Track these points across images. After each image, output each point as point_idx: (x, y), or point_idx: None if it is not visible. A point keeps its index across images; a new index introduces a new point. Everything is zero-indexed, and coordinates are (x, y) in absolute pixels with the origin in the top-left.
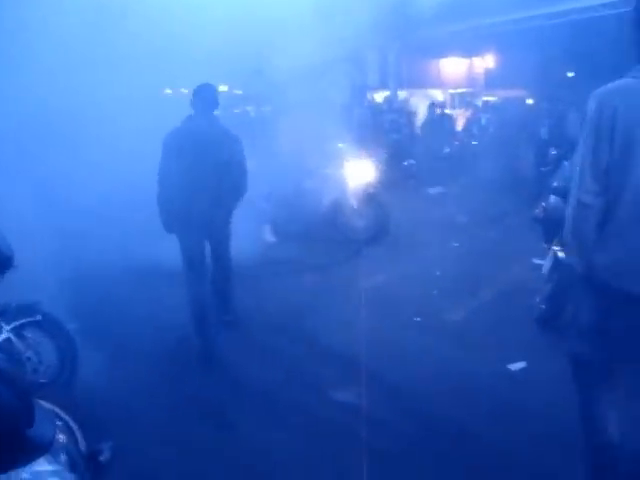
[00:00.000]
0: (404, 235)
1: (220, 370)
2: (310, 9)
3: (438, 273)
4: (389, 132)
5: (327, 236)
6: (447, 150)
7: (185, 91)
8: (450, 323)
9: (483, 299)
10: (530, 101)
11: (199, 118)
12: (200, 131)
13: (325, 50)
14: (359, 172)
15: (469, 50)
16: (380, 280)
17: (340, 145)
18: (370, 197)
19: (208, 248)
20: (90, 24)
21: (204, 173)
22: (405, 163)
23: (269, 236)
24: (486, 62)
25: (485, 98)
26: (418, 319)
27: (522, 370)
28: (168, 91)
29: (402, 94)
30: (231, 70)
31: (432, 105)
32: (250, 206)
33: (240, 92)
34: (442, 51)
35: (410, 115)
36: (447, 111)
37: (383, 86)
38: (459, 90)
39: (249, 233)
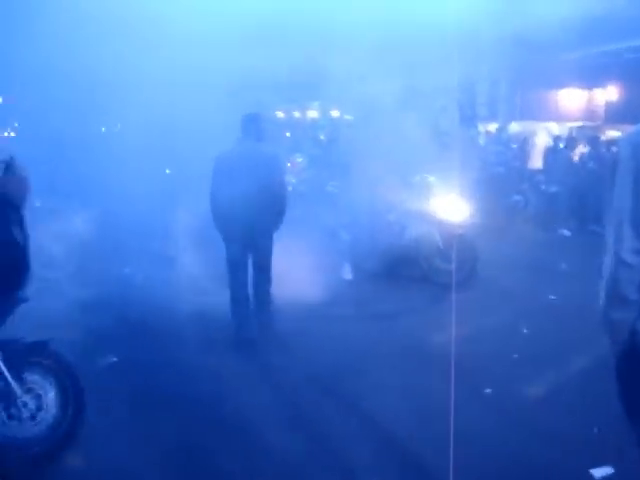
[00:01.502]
0: (494, 282)
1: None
2: (420, 34)
3: (525, 331)
4: (494, 165)
5: (408, 276)
6: (554, 189)
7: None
8: (526, 401)
9: (573, 372)
10: None
11: (244, 142)
12: (243, 153)
13: (435, 77)
14: (449, 208)
15: (589, 80)
16: (455, 335)
17: (430, 178)
18: (458, 237)
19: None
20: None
21: (247, 189)
22: (510, 200)
23: (347, 273)
24: (608, 94)
25: (610, 132)
26: (488, 390)
27: (607, 478)
28: (280, 114)
29: (515, 126)
30: (341, 96)
31: (557, 139)
32: (331, 236)
33: (350, 118)
34: (560, 81)
35: (521, 148)
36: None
37: (494, 117)
38: (577, 124)
39: (326, 268)
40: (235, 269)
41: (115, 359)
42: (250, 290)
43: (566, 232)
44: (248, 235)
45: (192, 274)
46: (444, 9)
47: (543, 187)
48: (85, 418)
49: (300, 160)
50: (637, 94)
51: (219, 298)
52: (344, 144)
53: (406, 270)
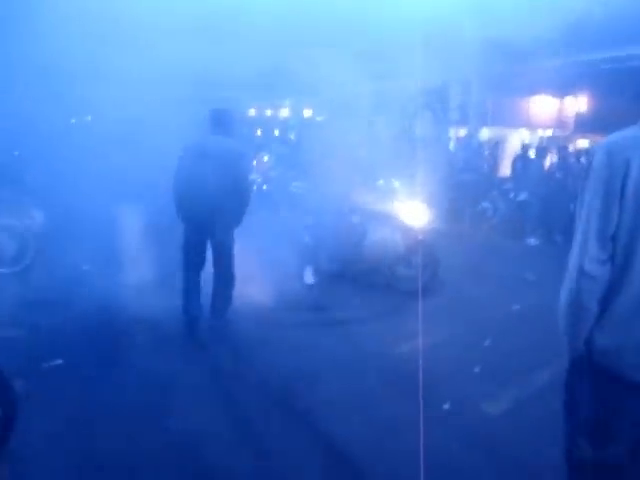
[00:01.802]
0: (458, 290)
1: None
2: (395, 34)
3: (487, 343)
4: (462, 171)
5: (370, 281)
6: (523, 197)
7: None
8: (485, 419)
9: (535, 387)
10: None
11: (211, 135)
12: (209, 146)
13: (409, 79)
14: (411, 213)
15: (561, 88)
16: (414, 345)
17: (395, 182)
18: (420, 242)
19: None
20: None
21: (209, 182)
22: (478, 207)
23: (308, 277)
24: (579, 103)
25: (580, 142)
26: (446, 406)
27: None
28: (252, 112)
29: (485, 132)
30: (313, 95)
31: (526, 147)
32: (293, 238)
33: (322, 118)
34: (532, 88)
35: (492, 154)
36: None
37: (465, 122)
38: (547, 131)
39: (287, 270)
40: (190, 254)
41: (60, 361)
42: (208, 289)
43: (533, 241)
44: (207, 228)
45: (150, 271)
46: (419, 10)
47: (512, 195)
48: (15, 427)
49: (266, 159)
50: (607, 105)
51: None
52: (311, 144)
53: (368, 274)
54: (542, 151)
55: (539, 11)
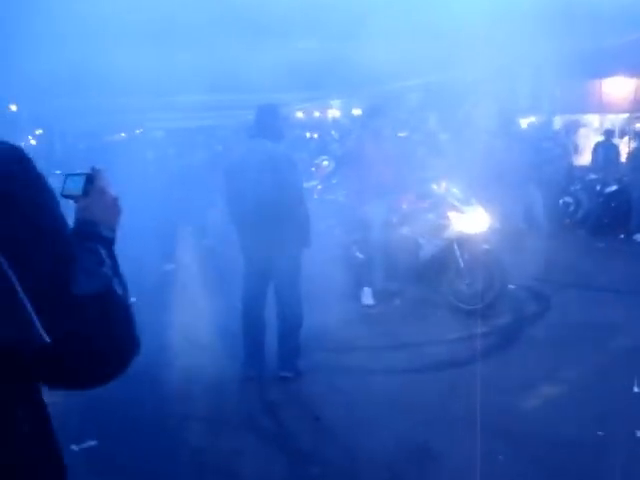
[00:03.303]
0: (561, 311)
1: None
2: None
3: (636, 389)
4: (542, 165)
5: (430, 301)
6: (614, 188)
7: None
8: None
9: None
10: None
11: (257, 141)
12: (256, 156)
13: (466, 69)
14: (470, 219)
15: (636, 68)
16: (535, 393)
17: (450, 184)
18: (482, 253)
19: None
20: None
21: (260, 200)
22: (560, 202)
23: (367, 298)
24: None
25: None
26: None
27: None
28: (300, 114)
29: (558, 119)
30: (364, 93)
31: (608, 132)
32: (345, 253)
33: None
34: (605, 69)
35: (568, 144)
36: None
37: (535, 110)
38: (622, 115)
39: (345, 291)
40: (249, 295)
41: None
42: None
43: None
44: (265, 255)
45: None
46: None
47: (599, 187)
48: None
49: (326, 164)
50: None
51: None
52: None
53: (427, 293)
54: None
55: None
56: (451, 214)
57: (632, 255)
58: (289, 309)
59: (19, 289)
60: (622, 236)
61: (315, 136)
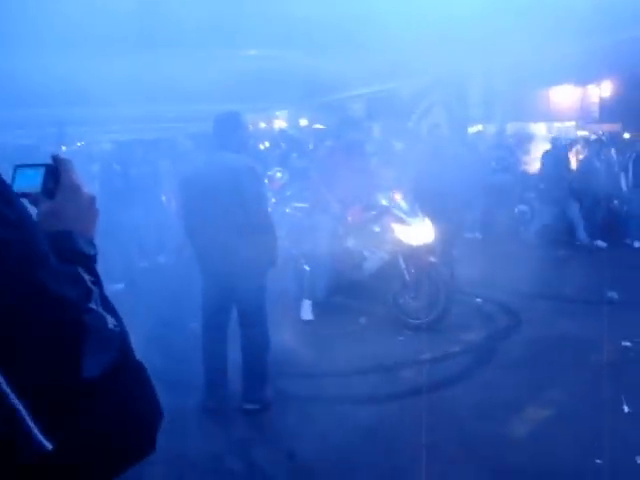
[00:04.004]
0: (531, 322)
1: None
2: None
3: (627, 409)
4: (495, 172)
5: (376, 315)
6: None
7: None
8: None
9: None
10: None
11: (219, 153)
12: (218, 169)
13: (417, 78)
14: (417, 230)
15: (584, 76)
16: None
17: (400, 200)
18: (428, 266)
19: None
20: None
21: (217, 219)
22: (516, 210)
23: (306, 313)
24: (602, 90)
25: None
26: None
27: None
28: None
29: (510, 128)
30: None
31: (555, 140)
32: (291, 265)
33: (322, 127)
34: (553, 78)
35: (520, 153)
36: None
37: (486, 119)
38: (567, 123)
39: (283, 306)
40: (209, 317)
41: None
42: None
43: (600, 243)
44: (227, 275)
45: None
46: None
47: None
48: None
49: (280, 175)
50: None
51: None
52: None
53: (373, 307)
54: (595, 145)
55: None
56: (395, 226)
57: (594, 263)
58: (254, 333)
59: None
60: (578, 243)
61: (262, 147)
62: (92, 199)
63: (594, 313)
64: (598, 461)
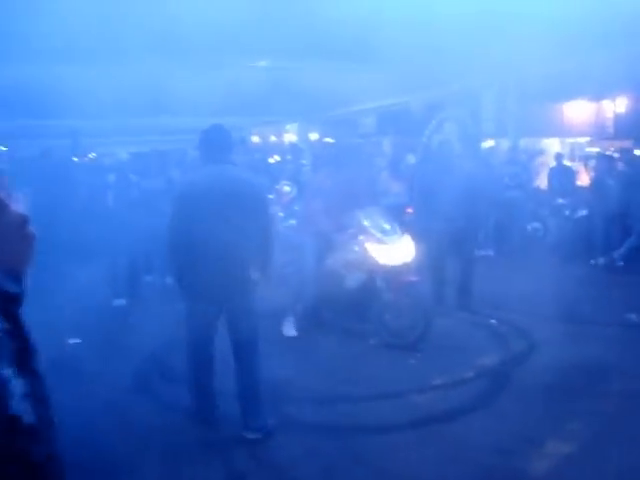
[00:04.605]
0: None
1: None
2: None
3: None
4: (509, 188)
5: (361, 333)
6: (583, 213)
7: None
8: None
9: None
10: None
11: (214, 166)
12: (217, 181)
13: (428, 91)
14: (395, 251)
15: (598, 91)
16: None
17: (380, 218)
18: (407, 286)
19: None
20: None
21: (222, 231)
22: (529, 227)
23: (289, 330)
24: (617, 106)
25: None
26: None
27: None
28: (256, 139)
29: (523, 143)
30: (320, 116)
31: (559, 156)
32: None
33: (332, 141)
34: (564, 93)
35: (532, 168)
36: (567, 163)
37: (499, 134)
38: (580, 139)
39: (269, 320)
40: (198, 340)
41: None
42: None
43: (618, 262)
44: (221, 293)
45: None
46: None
47: (567, 212)
48: None
49: (288, 189)
50: None
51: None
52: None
53: (357, 326)
54: (606, 161)
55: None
56: (371, 246)
57: (610, 282)
58: (248, 356)
59: None
60: (592, 262)
61: (272, 160)
62: (23, 220)
63: (614, 336)
64: None
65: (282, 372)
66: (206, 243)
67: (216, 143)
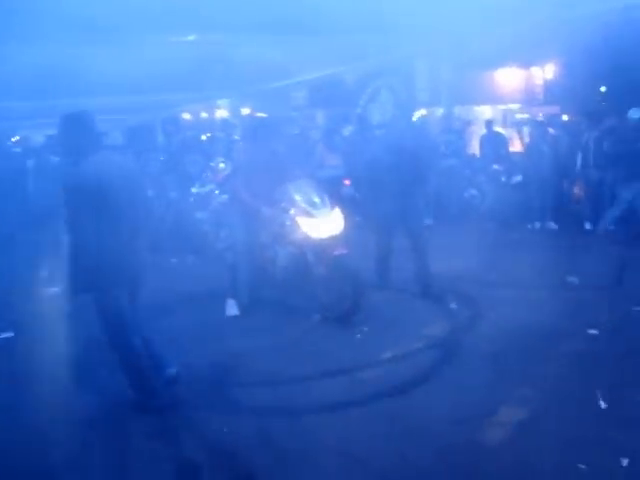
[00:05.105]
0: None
1: None
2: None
3: (625, 464)
4: (444, 157)
5: (299, 309)
6: (518, 179)
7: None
8: None
9: None
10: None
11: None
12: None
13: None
14: (324, 225)
15: (527, 59)
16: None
17: (310, 191)
18: (333, 260)
19: None
20: None
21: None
22: (466, 194)
23: (231, 309)
24: (545, 72)
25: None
26: None
27: None
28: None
29: (457, 111)
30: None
31: (489, 123)
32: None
33: (265, 115)
34: (496, 60)
35: (466, 136)
36: (499, 129)
37: (433, 102)
38: (511, 106)
39: (209, 299)
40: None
41: None
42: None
43: (552, 225)
44: (130, 275)
45: None
46: None
47: (503, 178)
48: None
49: (223, 166)
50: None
51: None
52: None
53: (299, 302)
54: (539, 126)
55: None
56: (301, 220)
57: (548, 246)
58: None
59: None
60: (529, 226)
61: (204, 137)
62: None
63: (556, 300)
64: (581, 466)
65: (227, 354)
66: (116, 233)
67: (88, 131)
